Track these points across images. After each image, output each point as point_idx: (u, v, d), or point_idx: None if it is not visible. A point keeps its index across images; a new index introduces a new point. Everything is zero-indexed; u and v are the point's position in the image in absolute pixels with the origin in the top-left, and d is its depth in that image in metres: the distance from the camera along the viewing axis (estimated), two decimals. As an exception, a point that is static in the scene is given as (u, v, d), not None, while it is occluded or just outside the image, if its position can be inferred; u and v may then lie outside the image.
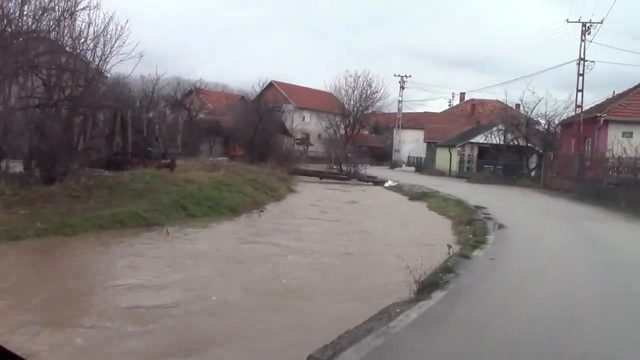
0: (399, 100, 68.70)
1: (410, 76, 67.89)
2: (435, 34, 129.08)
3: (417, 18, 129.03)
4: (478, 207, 19.41)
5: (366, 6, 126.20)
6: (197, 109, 39.45)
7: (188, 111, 37.70)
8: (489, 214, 17.67)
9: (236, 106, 47.41)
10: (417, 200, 24.10)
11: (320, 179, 35.08)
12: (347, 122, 73.70)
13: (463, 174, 45.94)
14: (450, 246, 10.58)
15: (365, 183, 34.81)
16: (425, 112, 70.58)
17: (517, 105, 46.28)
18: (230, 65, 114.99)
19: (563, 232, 14.66)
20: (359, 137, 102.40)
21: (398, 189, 29.98)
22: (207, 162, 23.60)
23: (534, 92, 39.21)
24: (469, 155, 48.23)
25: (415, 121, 68.96)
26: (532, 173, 39.38)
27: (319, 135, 74.97)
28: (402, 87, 68.06)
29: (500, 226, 14.71)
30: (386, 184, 32.66)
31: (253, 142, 40.93)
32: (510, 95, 40.99)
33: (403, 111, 70.81)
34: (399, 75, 67.99)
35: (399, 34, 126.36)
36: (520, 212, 19.70)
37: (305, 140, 79.27)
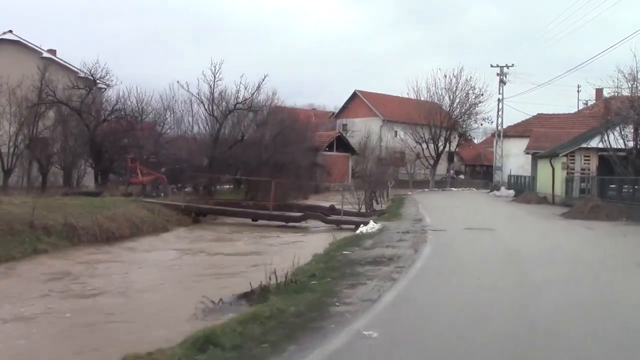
0: (498, 100, 50.59)
1: (512, 65, 49.60)
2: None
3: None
4: None
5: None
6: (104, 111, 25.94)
7: (79, 115, 24.63)
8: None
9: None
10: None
11: (254, 220, 19.95)
12: (438, 134, 57.07)
13: (572, 200, 27.91)
14: None
15: (335, 226, 19.06)
16: (539, 114, 51.27)
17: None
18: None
19: None
20: (471, 153, 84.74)
21: (356, 240, 14.07)
22: None
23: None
24: (583, 168, 29.80)
25: (524, 127, 50.13)
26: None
27: (418, 155, 59.04)
28: (502, 82, 49.95)
29: None
30: (361, 228, 16.56)
31: (213, 160, 26.79)
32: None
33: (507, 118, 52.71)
34: (497, 66, 49.97)
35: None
36: None
37: (397, 160, 63.55)
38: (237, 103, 26.40)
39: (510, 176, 45.59)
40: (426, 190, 52.33)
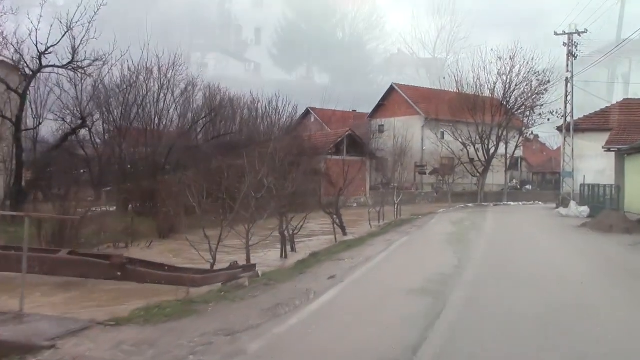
0: (565, 79, 36.40)
1: (585, 32, 35.41)
2: None
3: None
4: None
5: None
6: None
7: None
8: None
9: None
10: None
11: None
12: (488, 133, 44.03)
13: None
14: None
15: None
16: (625, 99, 36.60)
17: None
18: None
19: None
20: (541, 159, 70.35)
21: None
22: None
23: None
24: None
25: (605, 117, 35.73)
26: None
27: (472, 159, 46.07)
28: (571, 55, 35.78)
29: None
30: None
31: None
32: None
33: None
34: (563, 33, 35.94)
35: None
36: None
37: (443, 168, 50.61)
38: (42, 53, 14.77)
39: (582, 185, 31.51)
40: (470, 205, 39.02)
